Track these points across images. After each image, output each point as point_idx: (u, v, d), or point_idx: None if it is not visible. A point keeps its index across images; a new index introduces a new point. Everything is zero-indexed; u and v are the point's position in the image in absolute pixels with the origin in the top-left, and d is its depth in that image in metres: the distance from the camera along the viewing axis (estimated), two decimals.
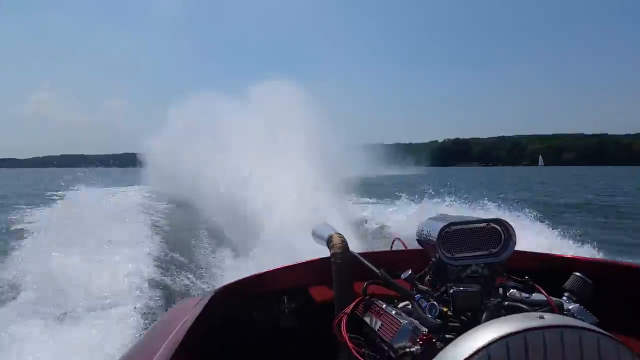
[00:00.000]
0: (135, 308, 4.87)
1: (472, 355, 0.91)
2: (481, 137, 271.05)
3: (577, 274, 1.41)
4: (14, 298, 5.37)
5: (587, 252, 7.47)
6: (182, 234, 10.14)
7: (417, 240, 1.50)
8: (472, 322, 1.18)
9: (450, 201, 11.37)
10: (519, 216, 9.19)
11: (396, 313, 1.33)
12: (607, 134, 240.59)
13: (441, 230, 1.35)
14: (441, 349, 1.02)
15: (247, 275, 1.94)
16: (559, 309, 1.28)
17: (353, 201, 15.31)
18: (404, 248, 2.06)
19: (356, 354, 1.28)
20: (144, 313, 4.77)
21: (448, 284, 1.29)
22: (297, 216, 7.92)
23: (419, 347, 1.13)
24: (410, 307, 1.37)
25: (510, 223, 1.40)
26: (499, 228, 1.40)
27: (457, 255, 1.36)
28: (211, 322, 1.63)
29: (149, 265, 6.43)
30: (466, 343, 0.95)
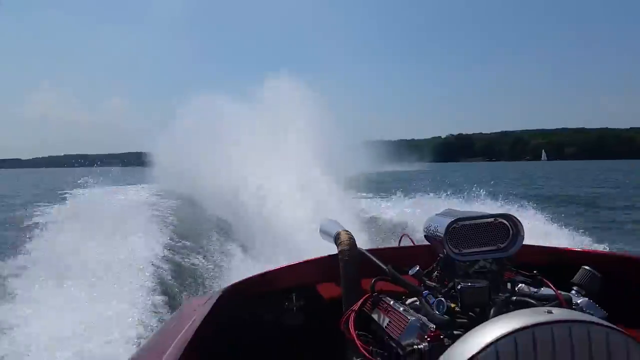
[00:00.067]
0: (144, 306, 4.90)
1: (480, 352, 0.91)
2: (484, 132, 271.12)
3: (586, 267, 1.41)
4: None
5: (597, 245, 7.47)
6: (190, 232, 10.19)
7: (424, 236, 1.50)
8: (480, 318, 1.18)
9: (446, 195, 11.55)
10: (520, 208, 9.23)
11: (404, 310, 1.33)
12: (608, 127, 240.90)
13: (448, 225, 1.34)
14: (449, 345, 1.02)
15: (254, 273, 1.95)
16: (568, 303, 1.27)
17: (357, 197, 15.39)
18: (411, 244, 2.06)
19: (364, 352, 1.28)
20: (153, 312, 4.80)
21: (456, 280, 1.29)
22: (304, 215, 7.95)
23: (426, 343, 1.13)
24: (418, 303, 1.38)
25: (517, 217, 1.39)
26: (506, 223, 1.39)
27: (464, 250, 1.35)
28: (219, 322, 1.64)
29: (158, 263, 6.47)
30: (474, 339, 0.95)
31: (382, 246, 2.69)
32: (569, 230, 8.24)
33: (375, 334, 1.40)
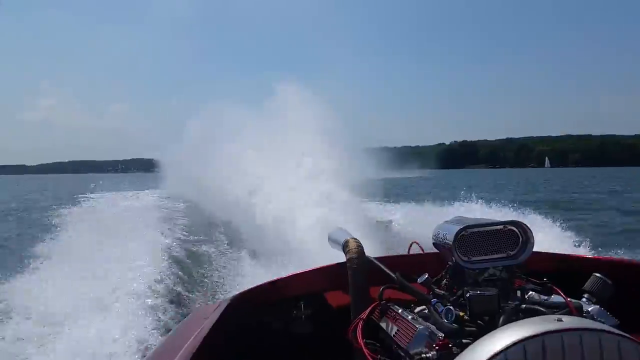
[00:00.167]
0: (152, 312, 4.91)
1: None
2: (488, 139, 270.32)
3: (597, 274, 1.39)
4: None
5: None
6: (199, 238, 10.26)
7: (433, 244, 1.48)
8: (489, 326, 1.17)
9: (453, 202, 11.67)
10: (526, 215, 9.24)
11: (412, 318, 1.32)
12: (614, 134, 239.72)
13: (457, 233, 1.32)
14: (457, 354, 1.01)
15: (262, 282, 1.95)
16: (578, 311, 1.26)
17: (365, 202, 15.44)
18: (421, 252, 2.05)
19: None
20: (161, 320, 4.80)
21: (465, 288, 1.28)
22: (313, 222, 7.98)
23: (435, 352, 1.12)
24: (427, 311, 1.37)
25: (527, 224, 1.38)
26: (516, 230, 1.37)
27: (474, 258, 1.33)
28: (228, 330, 1.63)
29: (168, 270, 6.48)
30: (483, 348, 0.94)
31: (391, 254, 2.68)
32: (578, 237, 8.22)
33: (384, 343, 1.39)
